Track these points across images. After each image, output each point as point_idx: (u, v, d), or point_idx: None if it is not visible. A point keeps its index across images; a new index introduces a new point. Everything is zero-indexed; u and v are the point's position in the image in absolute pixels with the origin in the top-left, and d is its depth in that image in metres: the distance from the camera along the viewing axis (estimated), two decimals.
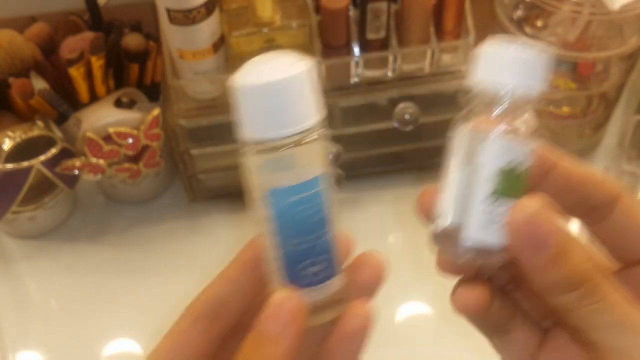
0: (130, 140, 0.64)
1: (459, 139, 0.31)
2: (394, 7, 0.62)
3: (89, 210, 0.74)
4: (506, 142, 0.28)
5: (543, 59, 0.28)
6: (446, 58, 0.65)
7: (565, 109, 0.73)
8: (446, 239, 0.30)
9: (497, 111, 0.29)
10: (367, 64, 0.64)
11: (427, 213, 0.32)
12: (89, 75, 0.63)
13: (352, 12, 0.63)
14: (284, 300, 0.29)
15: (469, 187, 0.29)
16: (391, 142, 0.71)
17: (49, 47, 0.64)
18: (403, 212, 0.73)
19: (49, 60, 0.63)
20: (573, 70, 0.66)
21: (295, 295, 0.29)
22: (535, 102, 0.29)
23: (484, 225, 0.28)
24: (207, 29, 0.59)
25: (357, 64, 0.64)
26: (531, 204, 0.27)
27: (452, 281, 0.70)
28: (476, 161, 0.29)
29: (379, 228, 0.71)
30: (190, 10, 0.57)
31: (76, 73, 0.62)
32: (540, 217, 0.26)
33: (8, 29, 0.62)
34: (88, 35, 0.62)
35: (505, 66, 0.28)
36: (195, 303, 0.34)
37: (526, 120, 0.29)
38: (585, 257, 0.26)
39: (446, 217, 0.30)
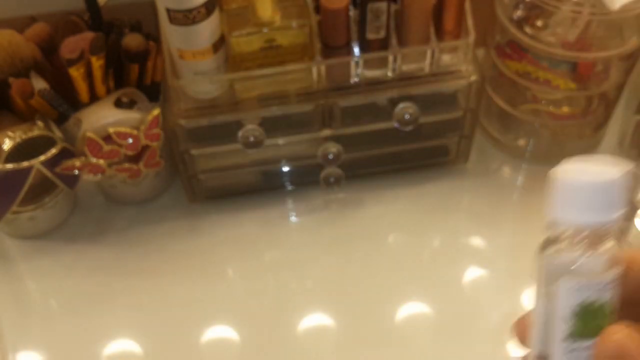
0: (130, 140, 0.64)
1: (541, 266, 0.30)
2: (394, 7, 0.62)
3: (89, 210, 0.74)
4: (581, 280, 0.27)
5: (624, 180, 0.26)
6: (446, 58, 0.65)
7: (565, 109, 0.73)
8: None
9: (575, 243, 0.28)
10: (367, 64, 0.64)
11: (522, 339, 0.30)
12: (89, 75, 0.63)
13: (352, 12, 0.63)
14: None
15: (550, 322, 0.28)
16: (391, 142, 0.71)
17: (49, 47, 0.64)
18: (403, 212, 0.73)
19: (49, 60, 0.63)
20: (573, 70, 0.66)
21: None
22: (617, 228, 0.27)
23: None
24: (207, 29, 0.59)
25: (357, 64, 0.64)
26: (617, 330, 0.25)
27: (452, 281, 0.70)
28: (554, 298, 0.28)
29: (379, 228, 0.71)
30: (190, 10, 0.57)
31: (76, 73, 0.62)
32: (629, 344, 0.25)
33: (8, 29, 0.62)
34: (88, 35, 0.62)
35: (584, 199, 0.26)
36: None
37: (608, 248, 0.27)
38: None
39: (534, 347, 0.29)
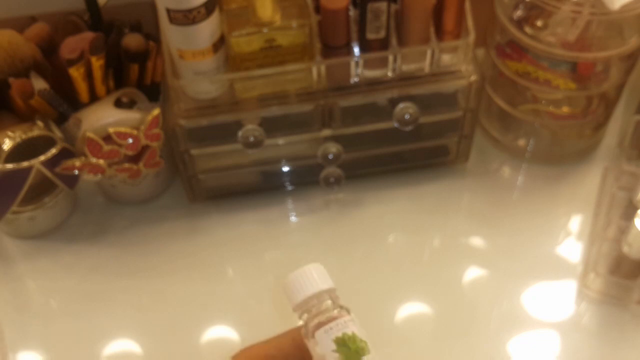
0: (131, 141, 0.64)
1: (310, 347, 0.38)
2: (394, 7, 0.62)
3: (89, 210, 0.74)
4: (324, 330, 0.37)
5: (316, 269, 0.39)
6: (446, 58, 0.65)
7: (565, 109, 0.73)
8: None
9: (307, 318, 0.39)
10: (367, 64, 0.64)
11: None
12: (89, 75, 0.63)
13: (352, 12, 0.63)
14: None
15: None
16: (391, 142, 0.71)
17: (49, 47, 0.64)
18: (403, 212, 0.73)
19: (49, 60, 0.63)
20: (573, 70, 0.66)
21: None
22: (328, 296, 0.39)
23: None
24: (207, 29, 0.59)
25: (357, 64, 0.64)
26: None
27: (452, 281, 0.70)
28: (324, 354, 0.37)
29: (379, 228, 0.71)
30: (190, 10, 0.57)
31: (76, 73, 0.62)
32: None
33: (8, 29, 0.62)
34: (88, 35, 0.62)
35: (296, 285, 0.39)
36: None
37: (330, 309, 0.38)
38: None
39: None
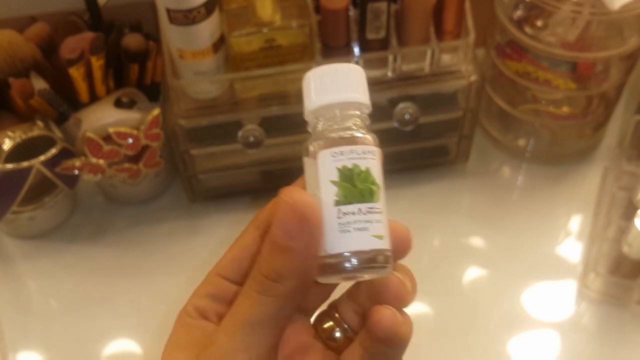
0: (130, 141, 0.64)
1: (306, 167, 0.30)
2: (394, 7, 0.62)
3: (89, 210, 0.74)
4: (332, 152, 0.29)
5: (360, 70, 0.30)
6: (446, 58, 0.65)
7: (565, 109, 0.73)
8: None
9: (320, 130, 0.30)
10: (367, 64, 0.64)
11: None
12: (89, 75, 0.63)
13: (352, 12, 0.63)
14: (290, 206, 0.28)
15: (317, 189, 0.30)
16: (391, 142, 0.71)
17: (49, 47, 0.64)
18: (403, 212, 0.73)
19: (49, 60, 0.63)
20: (573, 70, 0.66)
21: (299, 194, 0.28)
22: (364, 116, 0.31)
23: (345, 237, 0.28)
24: (207, 29, 0.59)
25: (357, 64, 0.64)
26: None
27: (452, 281, 0.70)
28: (319, 181, 0.29)
29: None
30: (190, 10, 0.57)
31: (76, 73, 0.62)
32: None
33: (8, 29, 0.62)
34: (88, 35, 0.62)
35: (327, 82, 0.30)
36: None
37: (354, 128, 0.30)
38: None
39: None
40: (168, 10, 0.57)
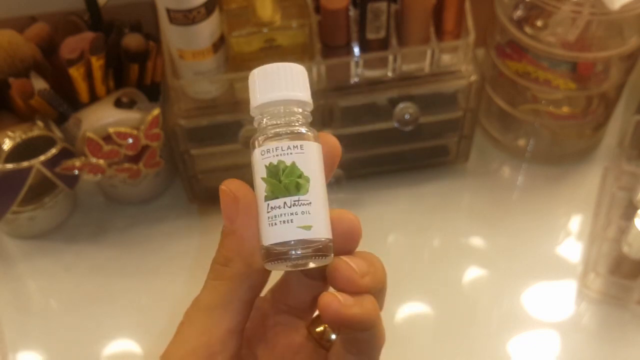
0: (130, 141, 0.64)
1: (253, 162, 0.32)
2: (394, 7, 0.62)
3: (89, 210, 0.74)
4: (260, 150, 0.30)
5: (302, 70, 0.32)
6: (446, 58, 0.65)
7: (565, 109, 0.73)
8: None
9: (262, 127, 0.32)
10: (367, 64, 0.64)
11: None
12: (89, 75, 0.63)
13: (352, 12, 0.63)
14: (224, 193, 0.31)
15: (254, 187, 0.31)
16: (391, 142, 0.71)
17: (49, 47, 0.64)
18: (403, 212, 0.73)
19: (49, 60, 0.63)
20: (573, 70, 0.66)
21: (232, 183, 0.31)
22: (304, 116, 0.32)
23: (272, 230, 0.30)
24: (207, 29, 0.59)
25: (357, 64, 0.64)
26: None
27: (452, 281, 0.70)
28: (254, 178, 0.31)
29: (379, 228, 0.71)
30: (190, 10, 0.57)
31: (76, 73, 0.62)
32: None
33: (8, 29, 0.62)
34: (88, 35, 0.62)
35: (270, 80, 0.31)
36: None
37: (292, 125, 0.31)
38: None
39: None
40: (168, 10, 0.57)
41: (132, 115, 0.64)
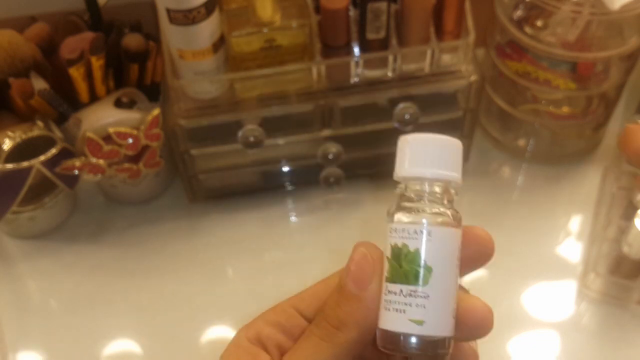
0: (130, 141, 0.64)
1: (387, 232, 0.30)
2: (394, 7, 0.62)
3: (89, 210, 0.74)
4: (390, 228, 0.29)
5: (460, 148, 0.29)
6: (446, 58, 0.65)
7: (565, 109, 0.73)
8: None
9: (400, 196, 0.30)
10: (367, 64, 0.64)
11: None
12: (89, 75, 0.63)
13: (352, 12, 0.63)
14: (363, 257, 0.29)
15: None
16: (391, 142, 0.71)
17: (49, 47, 0.64)
18: None
19: (49, 60, 0.63)
20: (573, 70, 0.66)
21: (374, 249, 0.29)
22: (451, 194, 0.30)
23: (386, 315, 0.28)
24: (207, 29, 0.59)
25: (357, 64, 0.64)
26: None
27: None
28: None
29: (379, 228, 0.71)
30: (190, 10, 0.57)
31: (76, 73, 0.62)
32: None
33: (8, 29, 0.62)
34: (88, 35, 0.62)
35: (426, 153, 0.29)
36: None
37: (429, 204, 0.29)
38: None
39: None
40: (168, 10, 0.57)
41: (132, 115, 0.64)
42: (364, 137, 0.69)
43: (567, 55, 0.64)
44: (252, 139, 0.65)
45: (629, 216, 0.65)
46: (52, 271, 0.70)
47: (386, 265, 0.29)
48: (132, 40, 0.63)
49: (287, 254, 0.70)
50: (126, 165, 0.67)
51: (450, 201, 0.30)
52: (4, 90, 0.62)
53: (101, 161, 0.65)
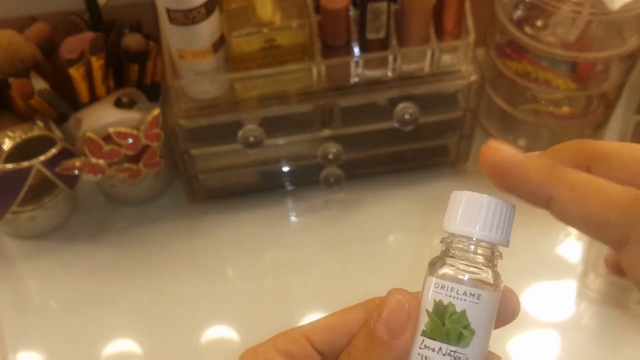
0: (130, 141, 0.64)
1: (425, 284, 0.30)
2: (394, 7, 0.62)
3: (89, 210, 0.74)
4: (435, 283, 0.28)
5: (505, 211, 0.30)
6: (446, 58, 0.65)
7: (565, 109, 0.73)
8: None
9: (445, 251, 0.30)
10: (367, 64, 0.64)
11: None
12: (89, 75, 0.63)
13: (352, 12, 0.63)
14: (399, 304, 0.29)
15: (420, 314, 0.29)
16: (391, 142, 0.71)
17: (49, 47, 0.64)
18: (403, 212, 0.73)
19: (49, 60, 0.63)
20: (573, 70, 0.66)
21: (410, 298, 0.29)
22: (497, 257, 0.30)
23: None
24: (207, 29, 0.59)
25: (357, 64, 0.64)
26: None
27: None
28: (419, 302, 0.29)
29: (379, 228, 0.71)
30: (190, 10, 0.57)
31: (76, 73, 0.62)
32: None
33: (8, 29, 0.62)
34: (88, 35, 0.62)
35: (465, 215, 0.30)
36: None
37: (476, 266, 0.29)
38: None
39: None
40: (168, 10, 0.57)
41: (132, 115, 0.64)
42: (364, 137, 0.69)
43: (567, 55, 0.64)
44: (252, 139, 0.65)
45: None
46: (52, 271, 0.70)
47: (424, 319, 0.28)
48: (132, 40, 0.63)
49: (287, 254, 0.70)
50: (126, 165, 0.67)
51: (495, 264, 0.30)
52: (4, 90, 0.62)
53: (101, 161, 0.65)
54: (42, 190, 0.68)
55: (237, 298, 0.67)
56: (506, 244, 0.30)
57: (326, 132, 0.68)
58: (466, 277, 0.28)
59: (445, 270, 0.29)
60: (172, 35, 0.60)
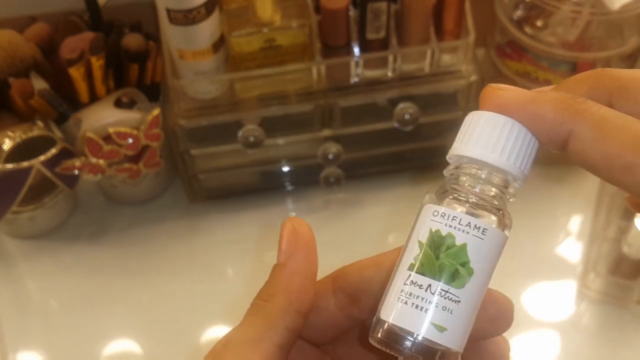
0: (130, 141, 0.64)
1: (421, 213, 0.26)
2: (394, 7, 0.62)
3: (89, 210, 0.74)
4: (434, 210, 0.24)
5: (526, 138, 0.25)
6: (446, 58, 0.65)
7: None
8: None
9: (449, 180, 0.26)
10: (367, 64, 0.64)
11: None
12: (89, 75, 0.63)
13: (352, 12, 0.63)
14: (292, 231, 0.29)
15: (406, 246, 0.25)
16: (391, 142, 0.71)
17: (49, 47, 0.64)
18: (403, 212, 0.73)
19: (49, 60, 0.63)
20: (573, 70, 0.66)
21: (301, 222, 0.29)
22: (509, 191, 0.25)
23: (400, 308, 0.24)
24: (207, 29, 0.59)
25: (357, 64, 0.64)
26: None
27: None
28: (410, 234, 0.25)
29: (379, 228, 0.71)
30: (190, 10, 0.57)
31: (76, 73, 0.62)
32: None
33: (8, 29, 0.62)
34: (88, 35, 0.62)
35: (478, 137, 0.24)
36: (341, 275, 0.32)
37: (486, 197, 0.25)
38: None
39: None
40: (168, 10, 0.57)
41: (132, 115, 0.64)
42: (364, 137, 0.69)
43: (567, 55, 0.64)
44: (252, 139, 0.65)
45: (628, 216, 0.65)
46: (52, 271, 0.70)
47: (415, 250, 0.24)
48: (132, 40, 0.63)
49: None
50: (126, 165, 0.67)
51: (509, 200, 0.25)
52: (4, 90, 0.62)
53: (101, 161, 0.65)
54: (42, 190, 0.68)
55: (237, 298, 0.67)
56: (523, 178, 0.25)
57: (326, 132, 0.68)
58: (472, 204, 0.24)
59: (448, 197, 0.24)
60: (172, 35, 0.60)
